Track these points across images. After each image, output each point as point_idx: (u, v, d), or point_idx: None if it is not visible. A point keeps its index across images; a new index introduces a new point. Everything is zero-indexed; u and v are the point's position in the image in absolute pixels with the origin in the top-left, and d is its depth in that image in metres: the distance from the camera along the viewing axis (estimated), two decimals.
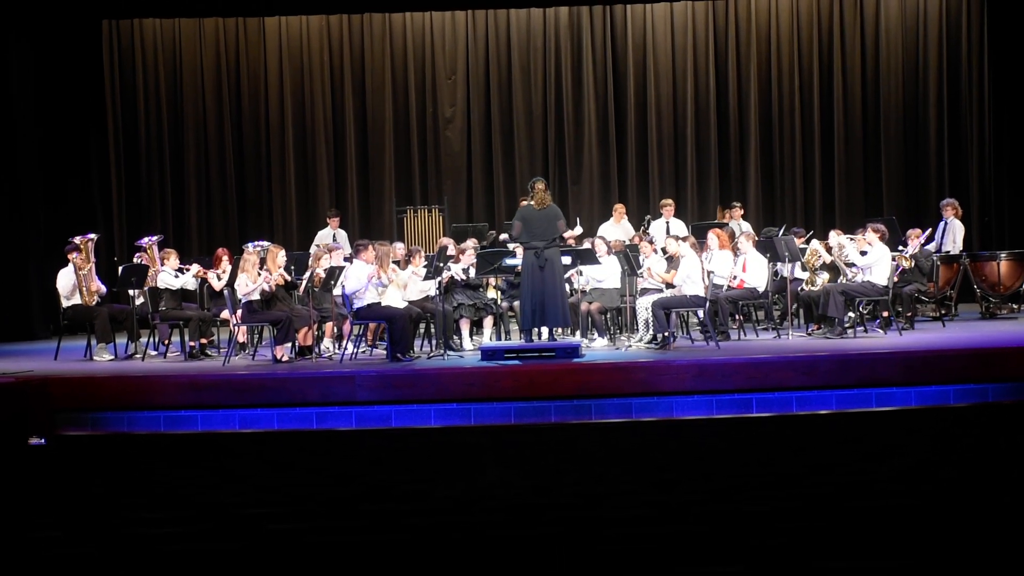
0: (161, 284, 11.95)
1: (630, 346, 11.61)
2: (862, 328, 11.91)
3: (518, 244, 11.68)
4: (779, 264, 12.47)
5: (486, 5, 17.04)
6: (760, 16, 16.98)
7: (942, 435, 7.48)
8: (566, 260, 11.77)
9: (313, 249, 12.80)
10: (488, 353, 10.71)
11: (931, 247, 13.36)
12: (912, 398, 9.74)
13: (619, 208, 15.16)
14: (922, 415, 9.23)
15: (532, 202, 11.21)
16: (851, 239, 12.10)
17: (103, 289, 12.39)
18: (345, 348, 11.46)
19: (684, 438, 8.13)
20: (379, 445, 8.40)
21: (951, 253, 13.52)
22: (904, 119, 16.86)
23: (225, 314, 11.86)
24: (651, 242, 12.72)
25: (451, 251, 12.28)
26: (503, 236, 13.39)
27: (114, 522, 5.27)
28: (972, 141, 16.62)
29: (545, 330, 11.30)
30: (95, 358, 12.00)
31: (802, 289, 12.38)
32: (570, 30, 17.02)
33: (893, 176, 16.83)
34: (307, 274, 11.54)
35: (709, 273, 11.78)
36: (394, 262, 11.62)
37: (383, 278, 11.08)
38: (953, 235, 13.70)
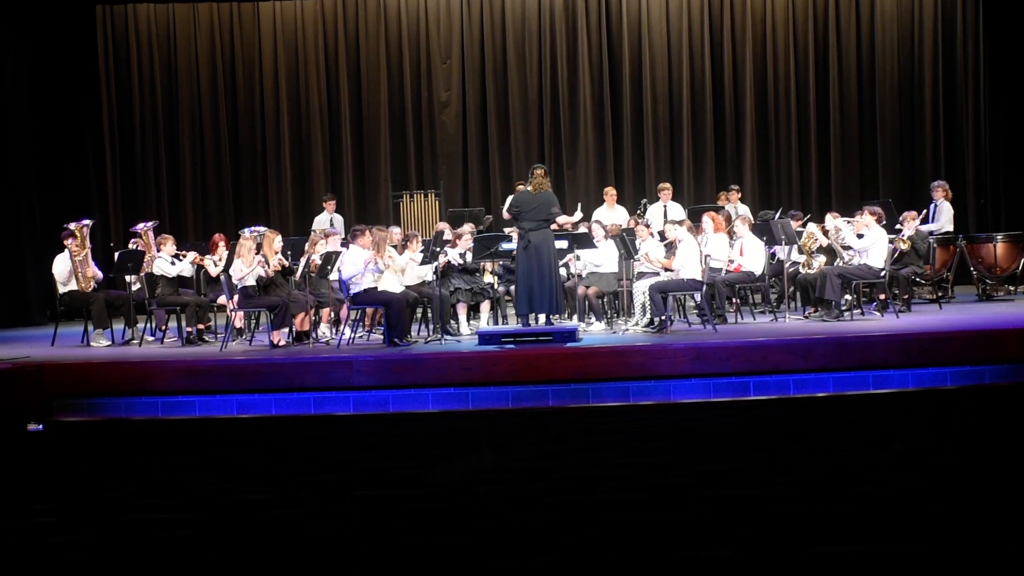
0: (157, 271, 11.94)
1: (627, 330, 11.61)
2: (859, 311, 11.92)
3: (513, 227, 11.67)
4: (776, 247, 12.47)
5: None
6: None
7: (939, 418, 7.48)
8: (562, 244, 11.77)
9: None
10: (485, 338, 10.72)
11: (925, 229, 13.36)
12: (909, 380, 9.74)
13: (610, 192, 15.11)
14: (919, 397, 9.23)
15: (529, 187, 11.21)
16: (848, 222, 12.10)
17: (99, 275, 12.38)
18: (342, 333, 11.46)
19: (681, 421, 8.13)
20: (376, 430, 8.40)
21: (944, 234, 13.52)
22: (900, 102, 16.84)
23: (222, 300, 11.86)
24: (647, 226, 12.71)
25: (448, 236, 12.27)
26: (505, 216, 13.27)
27: (110, 508, 5.27)
28: (968, 123, 16.60)
29: (542, 315, 11.30)
30: (92, 344, 12.00)
31: (799, 272, 12.38)
32: (565, 13, 16.96)
33: (889, 159, 16.81)
34: (303, 259, 11.53)
35: (706, 257, 11.77)
36: (391, 247, 11.60)
37: (379, 263, 11.07)
38: (942, 216, 13.71)
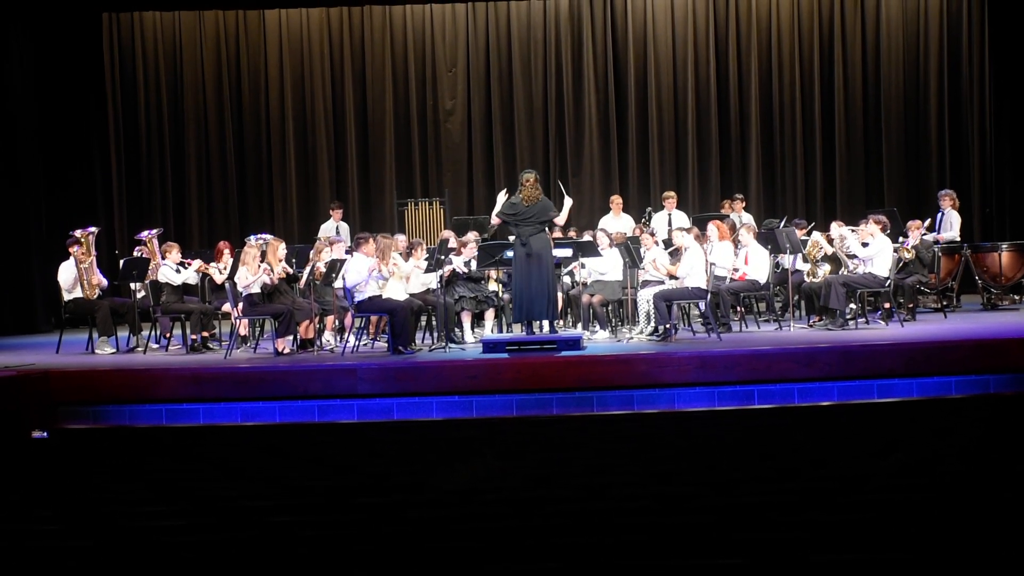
0: (162, 278, 11.95)
1: (631, 338, 11.61)
2: (863, 320, 11.90)
3: (506, 224, 11.43)
4: (780, 256, 12.46)
5: None
6: (761, 6, 16.96)
7: (943, 427, 7.47)
8: (567, 253, 11.75)
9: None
10: (489, 345, 10.70)
11: (930, 237, 13.35)
12: (914, 389, 9.71)
13: (616, 200, 15.13)
14: (923, 406, 9.21)
15: (521, 196, 11.05)
16: (852, 230, 12.09)
17: (104, 282, 12.39)
18: (347, 341, 11.46)
19: (685, 430, 8.13)
20: (380, 437, 8.40)
21: (950, 243, 13.52)
22: (905, 110, 16.85)
23: (227, 307, 11.86)
24: (652, 234, 12.70)
25: (452, 244, 12.28)
26: (494, 221, 13.00)
27: (114, 514, 5.27)
28: (973, 132, 16.60)
29: (546, 322, 11.28)
30: (97, 351, 12.01)
31: (804, 281, 12.36)
32: (570, 21, 17.00)
33: (894, 167, 16.82)
34: (308, 267, 11.53)
35: (711, 265, 11.76)
36: (396, 254, 11.59)
37: (383, 271, 11.07)
38: (951, 224, 13.72)
